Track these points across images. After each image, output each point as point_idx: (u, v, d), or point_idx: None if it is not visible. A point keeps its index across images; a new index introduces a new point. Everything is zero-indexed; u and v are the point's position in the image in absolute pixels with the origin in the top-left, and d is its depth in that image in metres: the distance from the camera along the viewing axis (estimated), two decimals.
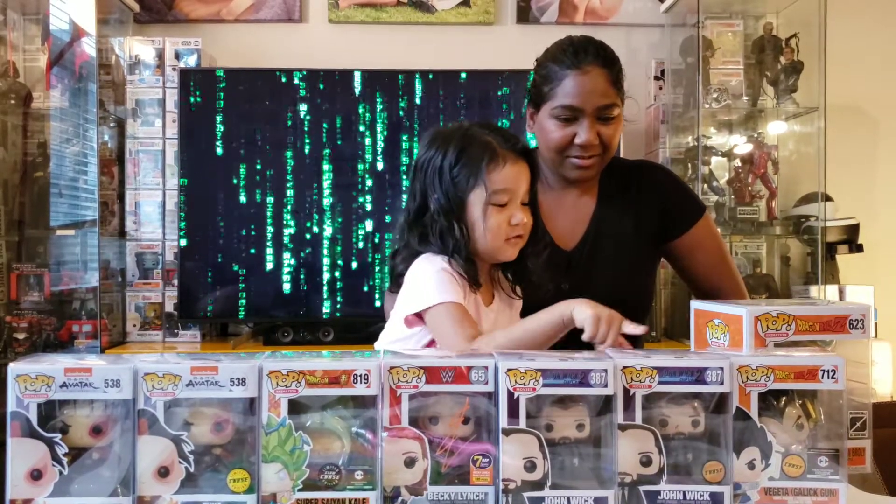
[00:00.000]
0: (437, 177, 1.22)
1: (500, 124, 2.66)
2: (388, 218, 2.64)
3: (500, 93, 2.66)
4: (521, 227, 1.24)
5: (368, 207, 2.64)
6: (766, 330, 0.94)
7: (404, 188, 2.64)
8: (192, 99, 2.63)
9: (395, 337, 1.29)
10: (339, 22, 2.98)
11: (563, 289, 1.45)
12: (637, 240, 1.47)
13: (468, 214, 1.22)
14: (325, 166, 2.63)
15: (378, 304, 2.61)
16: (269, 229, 2.62)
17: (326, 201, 2.63)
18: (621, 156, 2.58)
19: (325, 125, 2.63)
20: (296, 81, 2.63)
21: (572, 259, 1.46)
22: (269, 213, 2.62)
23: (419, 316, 1.21)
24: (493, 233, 1.22)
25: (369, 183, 2.64)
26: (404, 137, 2.64)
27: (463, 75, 2.65)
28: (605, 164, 1.46)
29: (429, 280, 1.20)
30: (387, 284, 1.52)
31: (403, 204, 1.36)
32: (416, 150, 2.63)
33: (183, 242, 2.61)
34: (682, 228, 1.49)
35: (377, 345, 1.33)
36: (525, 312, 1.48)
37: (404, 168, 2.65)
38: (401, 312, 1.25)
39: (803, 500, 0.86)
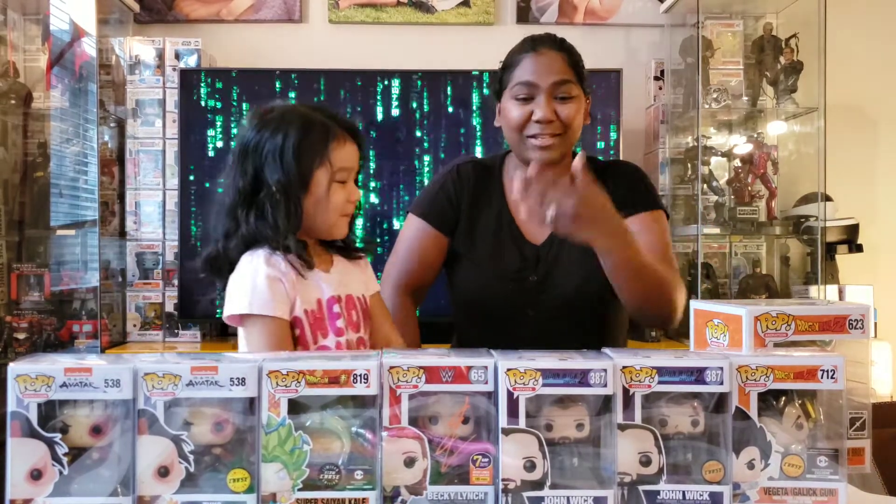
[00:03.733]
0: (277, 156, 1.20)
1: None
2: (385, 222, 2.64)
3: None
4: (353, 205, 1.28)
5: (367, 207, 2.63)
6: (765, 330, 0.94)
7: (401, 188, 2.64)
8: (192, 99, 2.63)
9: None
10: (339, 22, 2.98)
11: (532, 280, 1.47)
12: None
13: (312, 192, 1.23)
14: None
15: None
16: None
17: None
18: (620, 157, 2.59)
19: None
20: (296, 82, 2.63)
21: (540, 253, 1.49)
22: None
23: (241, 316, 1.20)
24: (334, 208, 1.24)
25: (368, 183, 2.64)
26: (403, 138, 2.64)
27: (463, 76, 2.65)
28: (567, 148, 1.47)
29: (255, 285, 1.18)
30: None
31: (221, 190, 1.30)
32: (416, 150, 2.64)
33: (183, 242, 2.61)
34: (628, 212, 1.43)
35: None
36: (492, 305, 1.49)
37: (403, 168, 2.65)
38: (227, 309, 1.22)
39: (803, 499, 0.86)
